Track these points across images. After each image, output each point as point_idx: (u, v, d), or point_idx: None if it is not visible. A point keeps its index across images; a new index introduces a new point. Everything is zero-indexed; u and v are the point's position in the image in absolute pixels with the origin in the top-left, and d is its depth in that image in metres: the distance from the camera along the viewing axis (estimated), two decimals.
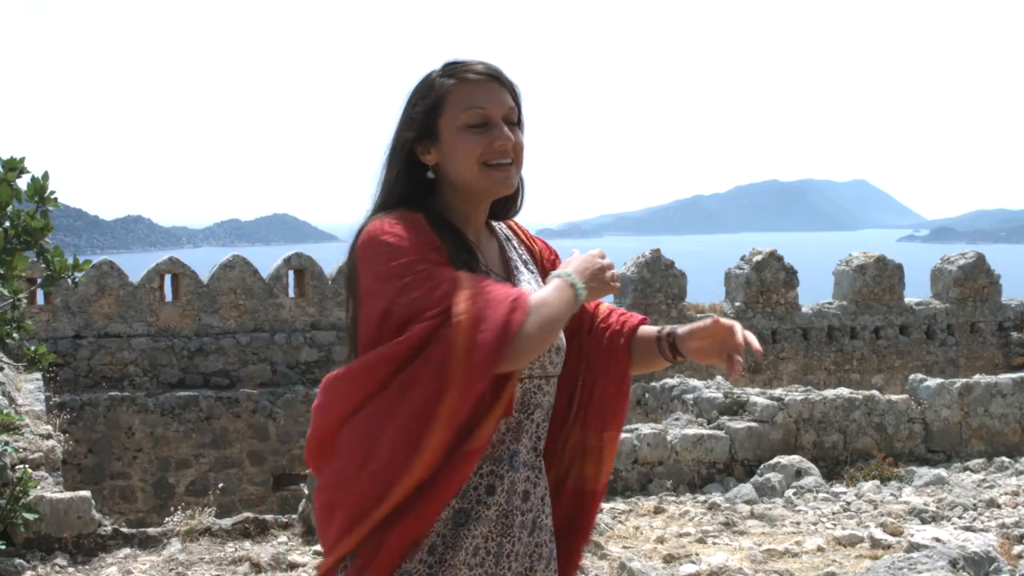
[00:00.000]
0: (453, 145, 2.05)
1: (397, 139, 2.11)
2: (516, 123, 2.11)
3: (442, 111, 2.06)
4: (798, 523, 6.75)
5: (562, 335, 2.15)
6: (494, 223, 2.25)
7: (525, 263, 2.24)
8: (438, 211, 2.09)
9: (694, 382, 10.10)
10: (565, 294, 1.99)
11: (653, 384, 10.75)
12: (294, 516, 6.46)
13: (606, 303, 2.31)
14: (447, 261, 1.97)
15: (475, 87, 2.06)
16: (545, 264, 2.29)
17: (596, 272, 2.05)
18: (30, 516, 5.48)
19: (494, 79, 2.08)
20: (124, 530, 6.09)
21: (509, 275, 2.16)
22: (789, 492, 7.74)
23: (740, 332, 2.07)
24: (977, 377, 9.57)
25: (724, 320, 2.11)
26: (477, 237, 2.14)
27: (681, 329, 2.17)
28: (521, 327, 1.89)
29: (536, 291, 2.03)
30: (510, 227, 2.30)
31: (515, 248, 2.25)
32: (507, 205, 2.23)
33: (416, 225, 1.99)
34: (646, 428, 8.57)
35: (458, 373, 1.86)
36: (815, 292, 19.23)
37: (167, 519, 6.42)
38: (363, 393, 1.93)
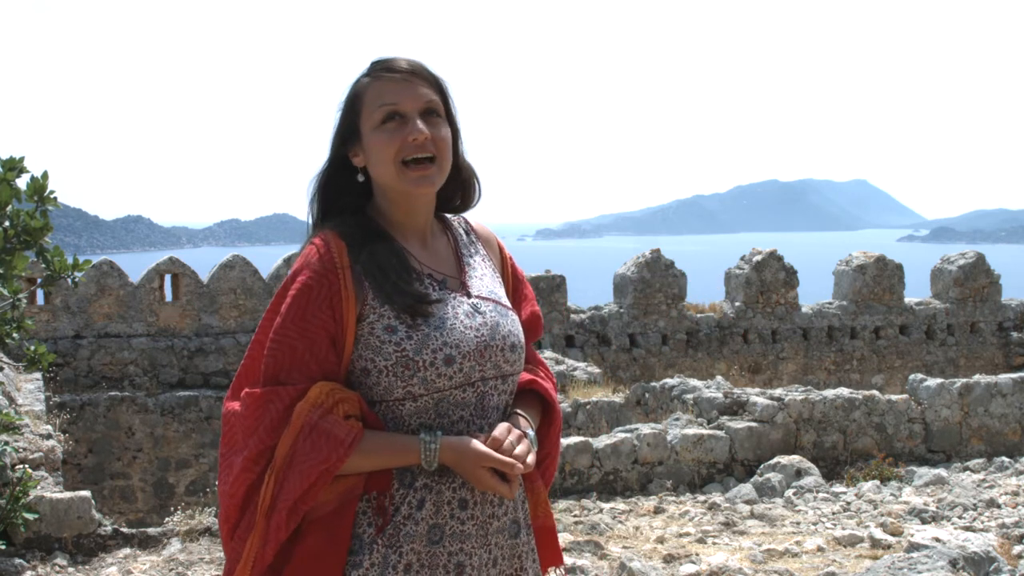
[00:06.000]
0: (371, 145, 2.02)
1: (331, 144, 2.10)
2: (440, 117, 2.04)
3: (360, 111, 2.05)
4: (798, 523, 6.74)
5: (519, 331, 2.11)
6: (451, 218, 2.21)
7: (484, 258, 2.19)
8: (372, 216, 2.07)
9: (694, 382, 10.09)
10: (403, 456, 1.94)
11: (653, 384, 10.73)
12: None
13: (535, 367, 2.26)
14: (325, 326, 1.93)
15: (389, 84, 2.02)
16: (505, 262, 2.24)
17: (471, 468, 1.93)
18: (30, 516, 5.47)
19: (413, 75, 2.03)
20: (124, 530, 6.08)
21: (461, 270, 2.11)
22: (789, 492, 7.74)
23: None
24: (977, 377, 9.56)
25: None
26: (422, 237, 2.10)
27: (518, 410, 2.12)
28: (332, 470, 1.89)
29: (377, 438, 1.95)
30: (472, 226, 2.24)
31: (473, 244, 2.20)
32: (464, 197, 2.19)
33: (327, 268, 1.95)
34: (646, 428, 8.56)
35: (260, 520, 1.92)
36: (815, 292, 19.24)
37: (167, 519, 6.41)
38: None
